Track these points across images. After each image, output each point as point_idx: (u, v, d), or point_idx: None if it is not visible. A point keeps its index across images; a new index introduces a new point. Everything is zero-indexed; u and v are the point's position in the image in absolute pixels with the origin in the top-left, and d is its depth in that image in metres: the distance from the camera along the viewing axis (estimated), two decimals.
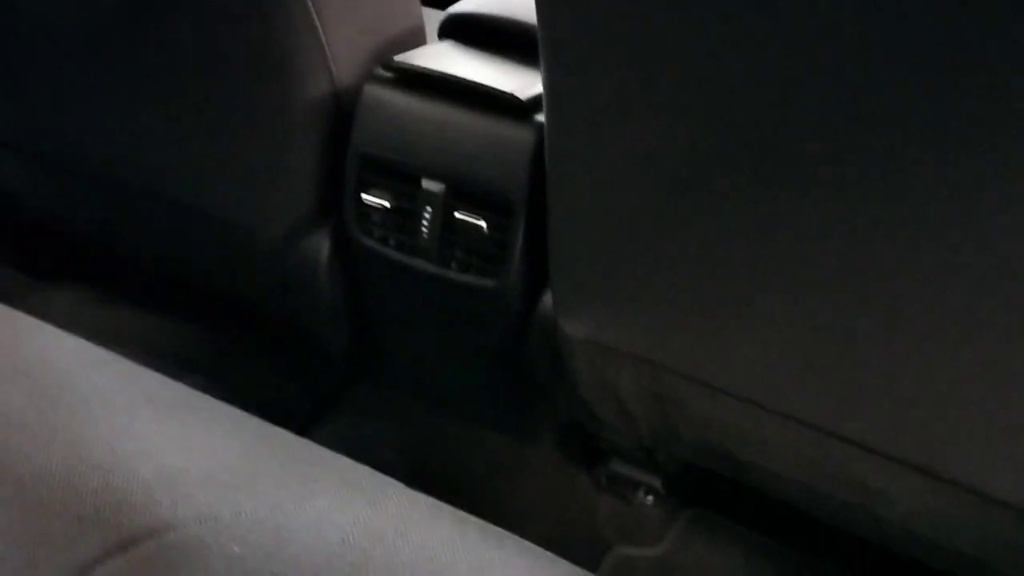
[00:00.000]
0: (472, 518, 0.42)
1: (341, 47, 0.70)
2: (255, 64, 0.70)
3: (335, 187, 0.75)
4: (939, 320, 0.48)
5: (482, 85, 0.66)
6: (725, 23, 0.44)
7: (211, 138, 0.77)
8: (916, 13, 0.38)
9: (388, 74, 0.71)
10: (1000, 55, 0.38)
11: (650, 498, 0.85)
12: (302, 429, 0.96)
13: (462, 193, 0.68)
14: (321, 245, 0.78)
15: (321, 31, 0.67)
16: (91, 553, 0.37)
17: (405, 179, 0.70)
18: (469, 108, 0.67)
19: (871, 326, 0.51)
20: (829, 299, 0.52)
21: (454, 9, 0.75)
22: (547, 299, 0.69)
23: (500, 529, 0.42)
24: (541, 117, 0.65)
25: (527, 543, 0.41)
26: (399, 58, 0.70)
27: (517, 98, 0.65)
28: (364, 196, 0.72)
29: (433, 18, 0.87)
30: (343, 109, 0.72)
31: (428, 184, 0.69)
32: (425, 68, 0.68)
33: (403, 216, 0.72)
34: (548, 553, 0.41)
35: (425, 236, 0.71)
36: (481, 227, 0.68)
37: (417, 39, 0.77)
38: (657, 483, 0.84)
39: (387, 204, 0.71)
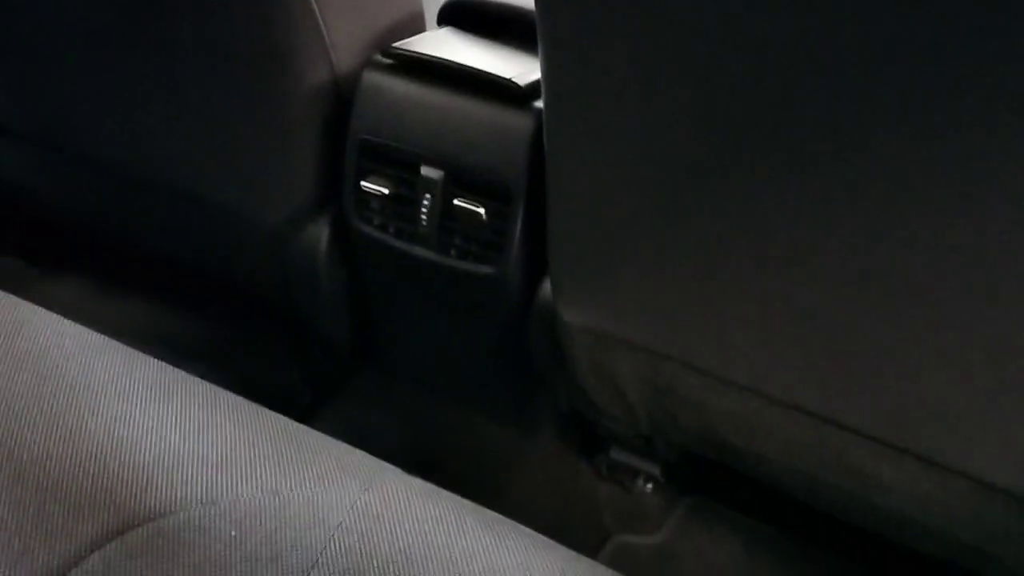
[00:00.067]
0: (468, 502, 0.42)
1: (340, 34, 0.70)
2: (254, 52, 0.70)
3: (335, 175, 0.75)
4: (936, 309, 0.48)
5: (481, 71, 0.66)
6: (725, 19, 0.44)
7: (211, 126, 0.77)
8: (916, 7, 0.38)
9: (387, 61, 0.71)
10: (998, 52, 0.37)
11: (649, 486, 0.85)
12: (303, 417, 0.97)
13: (461, 180, 0.68)
14: (321, 233, 0.78)
15: (320, 18, 0.67)
16: (89, 537, 0.37)
17: (404, 166, 0.70)
18: (468, 95, 0.67)
19: (868, 314, 0.51)
20: (826, 288, 0.52)
21: None
22: (546, 287, 0.69)
23: (496, 513, 0.42)
24: (540, 103, 0.64)
25: (523, 527, 0.42)
26: (398, 45, 0.70)
27: (516, 85, 0.65)
28: (363, 183, 0.72)
29: (433, 5, 0.87)
30: (342, 96, 0.72)
31: (427, 171, 0.69)
32: (424, 55, 0.68)
33: (402, 203, 0.72)
34: (543, 537, 0.41)
35: (424, 223, 0.71)
36: (480, 214, 0.68)
37: (416, 26, 0.77)
38: (656, 471, 0.84)
39: (386, 191, 0.71)
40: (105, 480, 0.40)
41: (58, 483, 0.40)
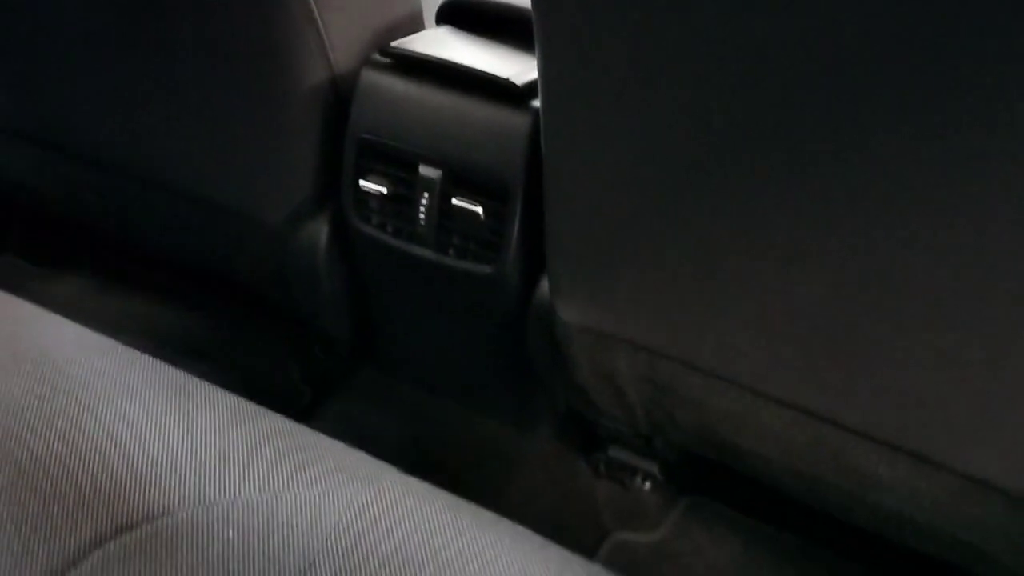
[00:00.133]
0: (465, 502, 0.42)
1: (339, 33, 0.70)
2: (253, 51, 0.70)
3: (333, 173, 0.75)
4: (934, 309, 0.48)
5: (478, 71, 0.66)
6: (724, 19, 0.44)
7: (210, 125, 0.77)
8: (916, 7, 0.38)
9: (386, 60, 0.71)
10: (998, 52, 0.37)
11: (648, 485, 0.85)
12: (303, 415, 0.97)
13: (459, 179, 0.68)
14: (320, 231, 0.78)
15: (318, 17, 0.67)
16: (89, 537, 0.37)
17: (402, 165, 0.70)
18: (466, 94, 0.67)
19: (866, 314, 0.51)
20: (825, 287, 0.52)
21: None
22: (544, 286, 0.69)
23: (493, 513, 0.42)
24: (537, 103, 0.64)
25: (519, 527, 0.42)
26: (396, 44, 0.70)
27: (513, 84, 0.65)
28: (362, 182, 0.72)
29: (432, 4, 0.87)
30: (341, 95, 0.72)
31: (425, 170, 0.69)
32: (422, 54, 0.68)
33: (400, 202, 0.72)
34: (539, 536, 0.41)
35: (422, 222, 0.71)
36: (478, 213, 0.68)
37: (415, 24, 0.77)
38: (655, 470, 0.84)
39: (384, 190, 0.72)
40: (104, 480, 0.40)
41: (57, 483, 0.40)
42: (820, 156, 0.46)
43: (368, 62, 0.71)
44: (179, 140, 0.80)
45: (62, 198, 1.00)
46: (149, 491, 0.39)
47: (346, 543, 0.36)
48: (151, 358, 0.50)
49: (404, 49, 0.69)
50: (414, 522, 0.37)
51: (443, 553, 0.36)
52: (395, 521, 0.38)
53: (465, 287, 0.74)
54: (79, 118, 0.85)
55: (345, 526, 0.37)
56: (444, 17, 0.76)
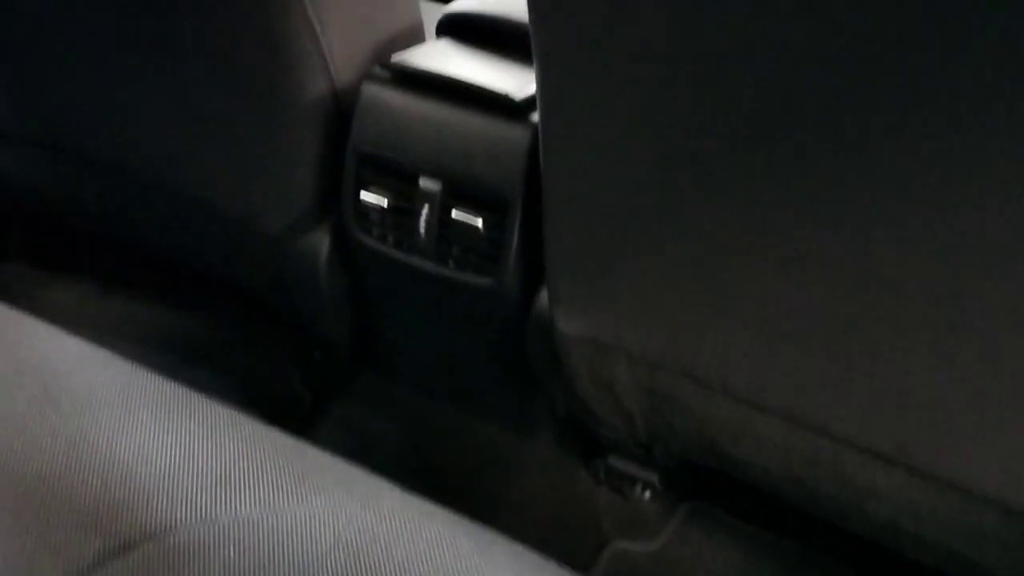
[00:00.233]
0: (464, 520, 0.42)
1: (339, 46, 0.70)
2: (255, 61, 0.70)
3: (334, 185, 0.76)
4: (927, 320, 0.49)
5: (478, 86, 0.66)
6: (720, 33, 0.44)
7: (213, 134, 0.77)
8: (912, 16, 0.38)
9: (386, 73, 0.71)
10: (997, 51, 0.38)
11: (647, 493, 0.86)
12: (304, 419, 0.98)
13: (458, 192, 0.69)
14: (321, 241, 0.79)
15: (319, 30, 0.68)
16: (91, 556, 0.37)
17: (403, 178, 0.71)
18: (465, 108, 0.68)
19: (860, 323, 0.52)
20: (820, 298, 0.52)
21: (452, 8, 0.76)
22: (543, 296, 0.70)
23: (492, 532, 0.43)
24: (536, 117, 0.65)
25: (518, 546, 0.42)
26: (397, 57, 0.71)
27: (512, 99, 0.65)
28: (363, 194, 0.73)
29: (434, 11, 0.88)
30: (342, 108, 0.72)
31: (425, 183, 0.70)
32: (422, 68, 0.69)
33: (401, 214, 0.72)
34: (538, 556, 0.41)
35: (423, 234, 0.72)
36: (477, 226, 0.69)
37: (415, 36, 0.77)
38: (654, 478, 0.85)
39: (385, 202, 0.72)
40: (106, 498, 0.41)
41: (60, 500, 0.41)
42: (817, 169, 0.46)
43: (369, 75, 0.71)
44: (181, 147, 0.81)
45: (64, 202, 1.01)
46: (150, 509, 0.40)
47: (345, 561, 0.37)
48: (152, 372, 0.51)
49: (404, 63, 0.70)
50: (413, 541, 0.38)
51: (441, 573, 0.36)
52: (394, 540, 0.38)
53: (465, 298, 0.74)
54: (81, 122, 0.85)
55: (344, 544, 0.38)
56: (444, 29, 0.76)
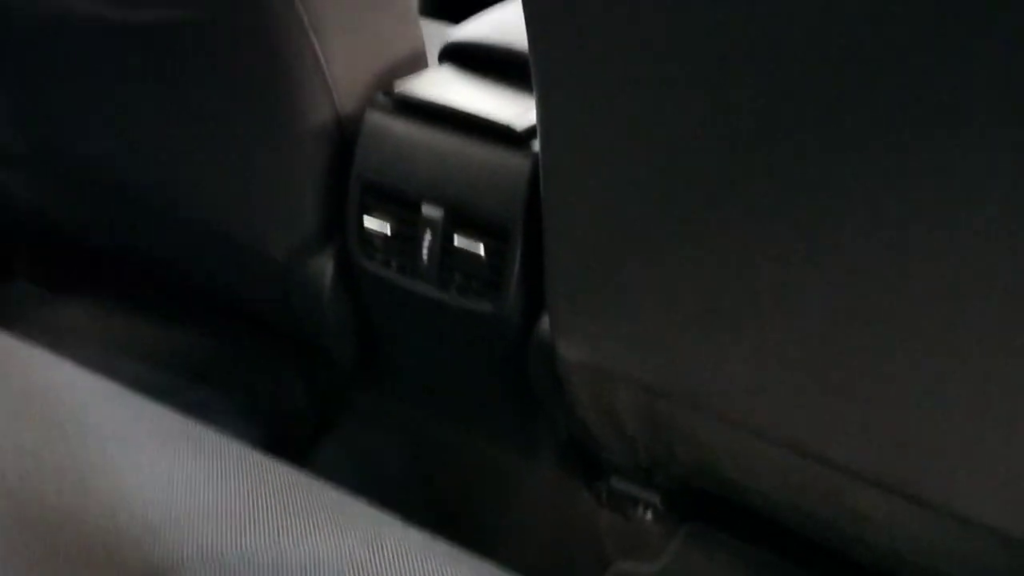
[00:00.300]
0: (464, 555, 0.43)
1: (342, 73, 0.71)
2: (259, 90, 0.71)
3: (338, 211, 0.76)
4: (926, 349, 0.49)
5: (479, 116, 0.67)
6: (721, 65, 0.45)
7: (219, 160, 0.79)
8: (914, 15, 0.39)
9: (389, 101, 0.72)
10: (1001, 52, 0.38)
11: (650, 514, 0.86)
12: (310, 439, 0.98)
13: (461, 219, 0.70)
14: (325, 266, 0.79)
15: (323, 58, 0.69)
16: None
17: (405, 205, 0.72)
18: (467, 136, 0.68)
19: (858, 354, 0.52)
20: (817, 328, 0.53)
21: (454, 36, 0.76)
22: (545, 321, 0.70)
23: (492, 565, 0.43)
24: (537, 146, 0.66)
25: None
26: (399, 86, 0.72)
27: (513, 128, 0.66)
28: (366, 221, 0.74)
29: (432, 29, 0.89)
30: (346, 135, 0.73)
31: (428, 210, 0.71)
32: (424, 98, 0.70)
33: (404, 241, 0.73)
34: None
35: (425, 260, 0.72)
36: (479, 252, 0.69)
37: (418, 63, 0.78)
38: (656, 500, 0.85)
39: (388, 229, 0.73)
40: (115, 533, 0.41)
41: (69, 535, 0.42)
42: (810, 186, 0.47)
43: (372, 103, 0.72)
44: (187, 171, 0.82)
45: (70, 223, 1.02)
46: (157, 546, 0.40)
47: None
48: (160, 405, 0.51)
49: (407, 92, 0.71)
50: None
51: None
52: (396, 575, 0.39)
53: (467, 322, 0.75)
54: (87, 146, 0.86)
55: None
56: (446, 56, 0.77)
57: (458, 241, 0.70)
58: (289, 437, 0.98)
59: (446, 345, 0.81)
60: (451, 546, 0.44)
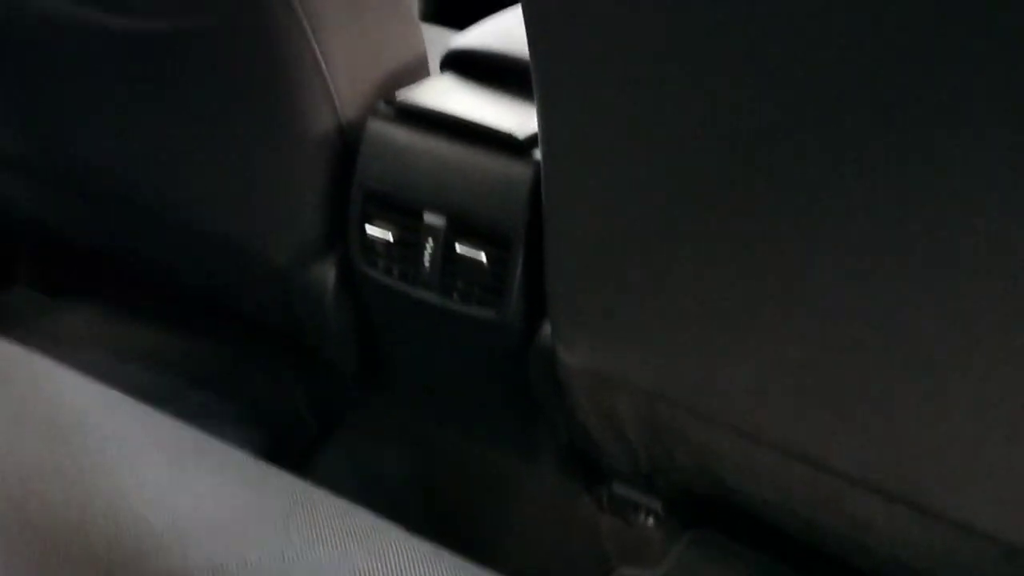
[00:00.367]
0: (469, 565, 0.43)
1: (345, 82, 0.71)
2: (261, 98, 0.71)
3: (340, 218, 0.77)
4: (926, 356, 0.50)
5: (481, 125, 0.68)
6: (719, 72, 0.45)
7: (221, 168, 0.79)
8: (907, 30, 0.39)
9: (391, 110, 0.72)
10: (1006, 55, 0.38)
11: (651, 519, 0.86)
12: (311, 444, 0.98)
13: (463, 227, 0.70)
14: (327, 273, 0.80)
15: (325, 67, 0.69)
16: None
17: (407, 213, 0.72)
18: (469, 145, 0.69)
19: (858, 362, 0.52)
20: (820, 334, 0.53)
21: (455, 43, 0.77)
22: (546, 328, 0.71)
23: (494, 575, 0.43)
24: (538, 154, 0.66)
25: None
26: (401, 95, 0.72)
27: (515, 137, 0.66)
28: (368, 228, 0.74)
29: (434, 35, 0.89)
30: (348, 143, 0.74)
31: (430, 218, 0.71)
32: (426, 107, 0.70)
33: (406, 248, 0.73)
34: None
35: (427, 268, 0.73)
36: (481, 260, 0.70)
37: (420, 69, 0.78)
38: (658, 505, 0.85)
39: (390, 237, 0.73)
40: (119, 545, 0.41)
41: (74, 546, 0.42)
42: (812, 195, 0.47)
43: (374, 112, 0.73)
44: (189, 179, 0.82)
45: (71, 229, 1.02)
46: (163, 557, 0.40)
47: None
48: (162, 415, 0.52)
49: (408, 100, 0.71)
50: None
51: None
52: None
53: (469, 329, 0.75)
54: (88, 153, 0.87)
55: None
56: (448, 64, 0.77)
57: (460, 249, 0.70)
58: (290, 442, 0.98)
59: (447, 351, 0.82)
60: (456, 557, 0.44)
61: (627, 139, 0.52)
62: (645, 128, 0.51)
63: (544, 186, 0.60)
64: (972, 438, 0.51)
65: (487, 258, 0.69)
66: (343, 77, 0.71)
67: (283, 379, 1.03)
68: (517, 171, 0.67)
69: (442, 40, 0.87)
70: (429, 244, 0.71)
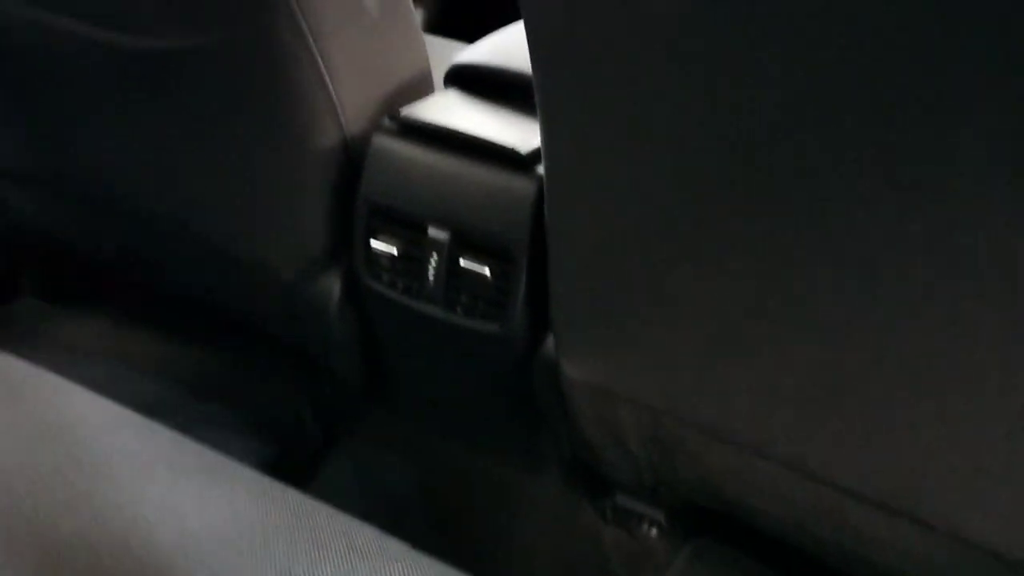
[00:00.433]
0: None
1: (350, 97, 0.72)
2: (267, 113, 0.72)
3: (345, 232, 0.77)
4: (929, 372, 0.50)
5: (484, 140, 0.68)
6: (728, 84, 0.45)
7: (227, 182, 0.79)
8: (908, 31, 0.38)
9: (395, 125, 0.73)
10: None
11: (654, 531, 0.86)
12: (316, 454, 0.99)
13: (466, 241, 0.70)
14: (332, 286, 0.80)
15: (330, 82, 0.70)
16: None
17: (412, 227, 0.73)
18: (473, 160, 0.69)
19: (860, 378, 0.53)
20: (822, 348, 0.53)
21: (459, 59, 0.77)
22: (550, 342, 0.71)
23: None
24: (541, 169, 0.66)
25: None
26: (405, 110, 0.73)
27: (518, 152, 0.67)
28: (373, 242, 0.75)
29: (438, 47, 0.89)
30: (353, 157, 0.74)
31: (434, 232, 0.71)
32: (430, 122, 0.71)
33: (410, 262, 0.74)
34: None
35: (431, 282, 0.73)
36: (485, 274, 0.70)
37: (424, 85, 0.79)
38: (661, 516, 0.85)
39: (395, 250, 0.74)
40: (129, 562, 0.42)
41: (85, 564, 0.42)
42: (814, 210, 0.47)
43: (379, 127, 0.73)
44: (195, 192, 0.83)
45: (78, 242, 1.03)
46: (171, 574, 0.41)
47: None
48: (172, 432, 0.52)
49: (412, 116, 0.72)
50: None
51: None
52: None
53: (473, 342, 0.76)
54: (95, 166, 0.87)
55: None
56: (452, 80, 0.78)
57: (464, 263, 0.71)
58: (295, 451, 0.99)
59: (451, 363, 0.82)
60: (461, 574, 0.44)
61: (629, 154, 0.53)
62: (647, 144, 0.52)
63: (547, 202, 0.61)
64: (975, 453, 0.51)
65: (491, 272, 0.70)
66: (348, 93, 0.71)
67: (288, 389, 1.03)
68: (520, 186, 0.67)
69: (445, 51, 0.88)
70: (433, 258, 0.72)
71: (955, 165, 0.41)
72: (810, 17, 0.40)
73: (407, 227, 0.73)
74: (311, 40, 0.67)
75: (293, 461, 0.96)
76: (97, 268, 1.10)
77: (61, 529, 0.44)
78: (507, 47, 0.77)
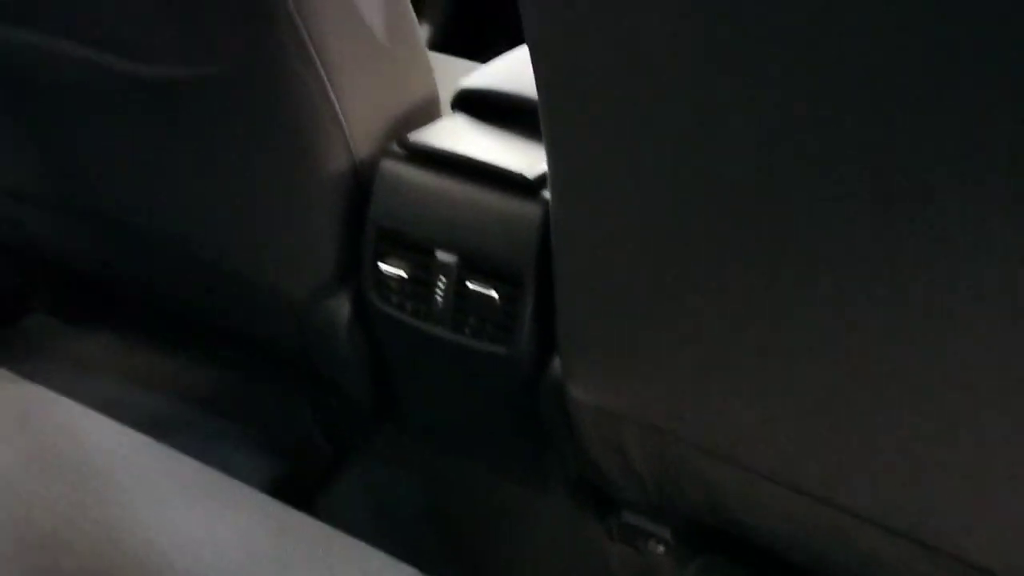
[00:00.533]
0: None
1: (358, 123, 0.73)
2: (277, 139, 0.73)
3: (354, 255, 0.78)
4: (932, 395, 0.50)
5: (491, 165, 0.69)
6: (733, 107, 0.46)
7: (237, 205, 0.80)
8: (911, 40, 0.38)
9: (403, 151, 0.74)
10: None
11: (661, 548, 0.87)
12: (325, 473, 1.00)
13: (474, 265, 0.71)
14: (342, 308, 0.81)
15: (339, 108, 0.71)
16: None
17: (420, 250, 0.74)
18: (480, 185, 0.70)
19: (862, 401, 0.53)
20: (823, 370, 0.54)
21: (466, 83, 0.78)
22: (557, 363, 0.72)
23: None
24: (548, 193, 0.67)
25: None
26: (413, 136, 0.74)
27: (525, 177, 0.68)
28: (381, 265, 0.76)
29: (444, 64, 0.90)
30: (361, 181, 0.75)
31: (442, 256, 0.72)
32: (438, 148, 0.72)
33: (419, 285, 0.75)
34: None
35: (440, 304, 0.74)
36: (492, 297, 0.71)
37: (431, 110, 0.80)
38: (667, 533, 0.86)
39: (403, 274, 0.75)
40: None
41: None
42: (815, 232, 0.47)
43: (387, 152, 0.74)
44: (206, 216, 0.84)
45: (88, 261, 1.04)
46: None
47: None
48: (184, 456, 0.53)
49: (420, 142, 0.73)
50: None
51: None
52: None
53: (480, 364, 0.77)
54: (106, 189, 0.88)
55: None
56: (459, 104, 0.79)
57: (472, 286, 0.72)
58: (305, 469, 0.99)
59: (459, 384, 0.83)
60: None
61: (635, 187, 0.53)
62: (651, 167, 0.52)
63: (552, 227, 0.62)
64: (978, 476, 0.52)
65: (498, 295, 0.71)
66: (357, 119, 0.73)
67: (298, 407, 1.04)
68: (527, 210, 0.68)
69: (450, 69, 0.89)
70: (441, 281, 0.73)
71: (956, 166, 0.41)
72: (810, 17, 0.40)
73: (415, 251, 0.74)
74: (320, 68, 0.68)
75: (303, 479, 0.97)
76: (109, 288, 1.11)
77: (77, 553, 0.45)
78: (513, 71, 0.78)
